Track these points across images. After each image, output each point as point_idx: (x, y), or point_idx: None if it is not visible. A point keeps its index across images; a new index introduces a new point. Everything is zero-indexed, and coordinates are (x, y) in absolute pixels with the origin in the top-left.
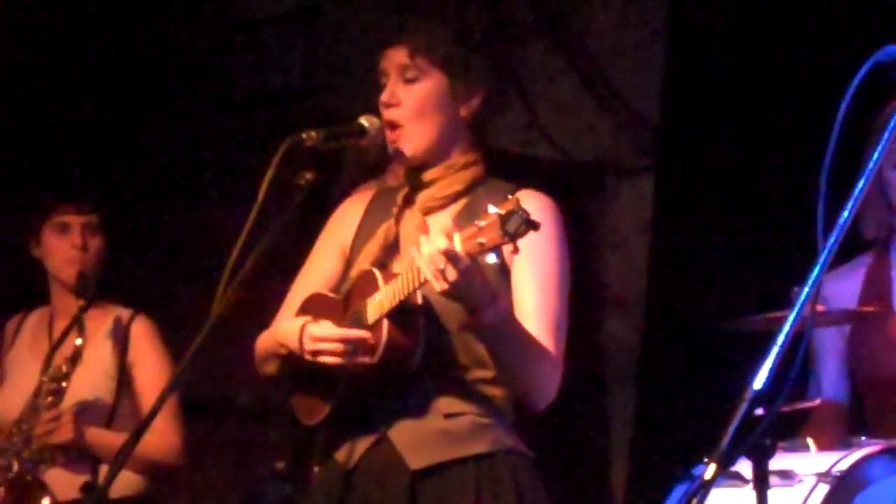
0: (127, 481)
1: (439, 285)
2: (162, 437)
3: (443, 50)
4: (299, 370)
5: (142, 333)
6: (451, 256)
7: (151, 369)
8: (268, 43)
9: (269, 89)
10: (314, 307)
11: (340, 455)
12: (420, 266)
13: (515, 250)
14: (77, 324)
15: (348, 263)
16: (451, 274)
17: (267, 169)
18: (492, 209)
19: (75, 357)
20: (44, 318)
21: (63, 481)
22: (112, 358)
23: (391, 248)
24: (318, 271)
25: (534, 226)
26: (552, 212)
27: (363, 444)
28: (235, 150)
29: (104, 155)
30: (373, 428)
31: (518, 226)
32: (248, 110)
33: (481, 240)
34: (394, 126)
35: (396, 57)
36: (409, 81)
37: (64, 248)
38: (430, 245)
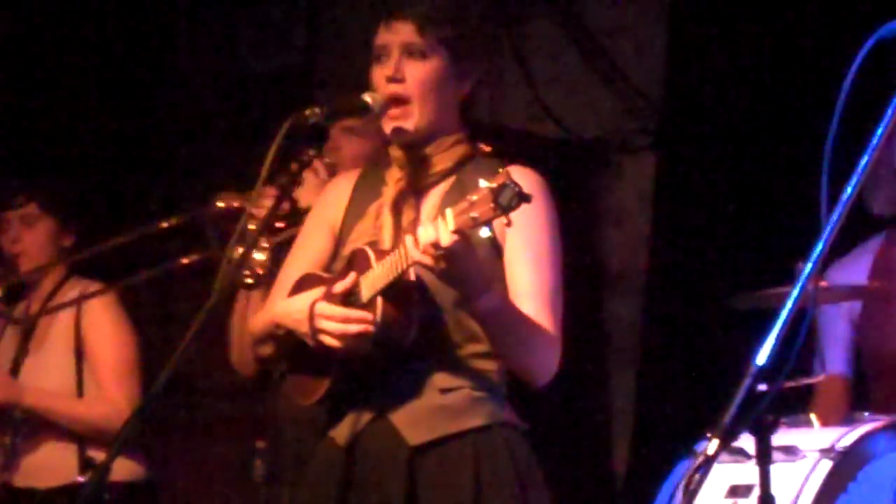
0: (124, 466)
1: (433, 272)
2: (109, 407)
3: (449, 28)
4: (296, 350)
5: (95, 302)
6: (440, 247)
7: (102, 336)
8: (271, 22)
9: (272, 68)
10: (307, 287)
11: (339, 433)
12: (413, 255)
13: (508, 223)
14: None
15: (339, 242)
16: (442, 263)
17: (270, 146)
18: (483, 183)
19: (28, 330)
20: (23, 306)
21: (48, 467)
22: (71, 329)
23: (383, 226)
24: (309, 251)
25: (526, 198)
26: (542, 188)
27: (361, 422)
28: (240, 129)
29: (106, 136)
30: (370, 405)
31: (510, 199)
32: (252, 89)
33: (474, 214)
34: (400, 101)
35: (403, 32)
36: (416, 58)
37: (4, 243)
38: (423, 232)
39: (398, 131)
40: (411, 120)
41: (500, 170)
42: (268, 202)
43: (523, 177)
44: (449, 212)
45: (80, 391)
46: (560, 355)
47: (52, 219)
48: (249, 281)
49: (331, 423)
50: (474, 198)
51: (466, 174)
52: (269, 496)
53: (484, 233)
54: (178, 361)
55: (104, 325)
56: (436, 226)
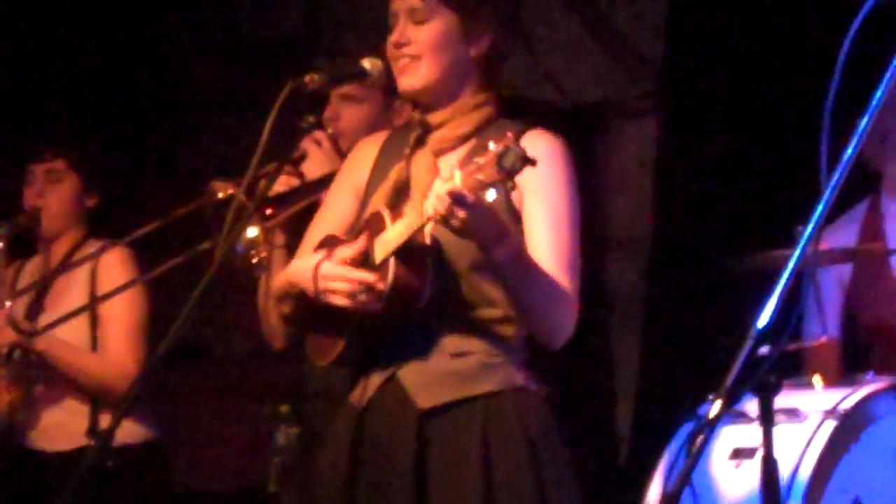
0: (132, 429)
1: (448, 224)
2: (116, 365)
3: None
4: (312, 310)
5: (110, 261)
6: (456, 195)
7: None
8: None
9: (271, 37)
10: (328, 249)
11: (354, 395)
12: (427, 207)
13: (513, 187)
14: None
15: (363, 205)
16: (458, 212)
17: (269, 113)
18: (491, 146)
19: (45, 287)
20: (36, 264)
21: (59, 430)
22: (85, 288)
23: (402, 190)
24: (334, 213)
25: (530, 162)
26: (561, 151)
27: (374, 384)
28: (239, 98)
29: (107, 103)
30: (383, 368)
31: (514, 162)
32: (251, 58)
33: (480, 176)
34: (406, 61)
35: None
36: (419, 22)
37: (28, 196)
38: (437, 185)
39: (406, 87)
40: (418, 76)
41: (508, 133)
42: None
43: (543, 140)
44: (457, 173)
45: (92, 347)
46: (577, 317)
47: (77, 176)
48: (254, 261)
49: (351, 385)
50: (481, 160)
51: (486, 138)
52: (292, 462)
53: (490, 195)
54: (179, 329)
55: (117, 280)
56: (448, 182)
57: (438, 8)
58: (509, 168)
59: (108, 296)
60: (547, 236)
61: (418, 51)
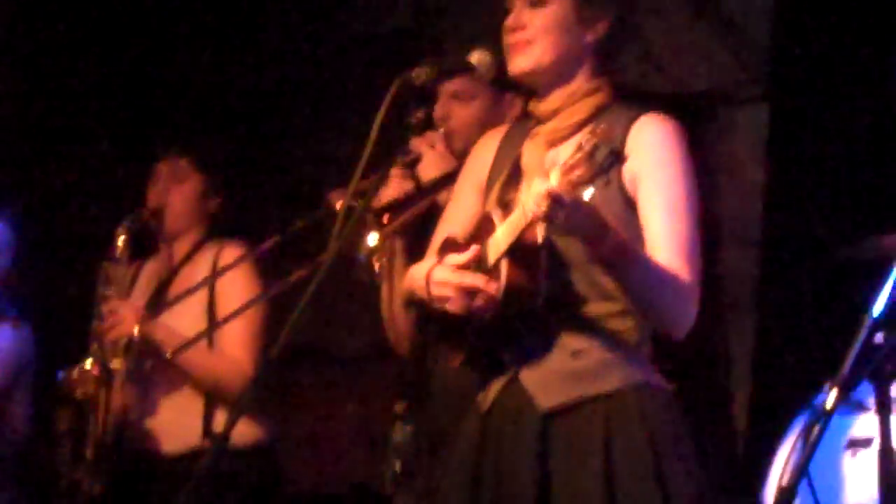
0: (245, 430)
1: (549, 224)
2: (234, 364)
3: None
4: (434, 315)
5: (228, 259)
6: (554, 195)
7: (233, 294)
8: None
9: (379, 31)
10: (447, 251)
11: (483, 397)
12: (528, 208)
13: (608, 183)
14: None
15: (486, 199)
16: (556, 212)
17: (378, 107)
18: (582, 142)
19: (164, 285)
20: (155, 264)
21: (173, 431)
22: (205, 287)
23: (515, 185)
24: (459, 211)
25: (620, 157)
26: (675, 134)
27: (496, 386)
28: (347, 92)
29: (213, 100)
30: (504, 369)
31: (604, 158)
32: (359, 52)
33: (573, 175)
34: (518, 46)
35: None
36: (535, 5)
37: (152, 194)
38: (535, 185)
39: (516, 69)
40: (530, 57)
41: (597, 129)
42: (392, 182)
43: (658, 125)
44: (554, 172)
45: (210, 345)
46: (697, 305)
47: (202, 177)
48: (376, 269)
49: (480, 387)
50: (573, 160)
51: (603, 124)
52: (408, 461)
53: (587, 193)
54: (292, 329)
55: (238, 285)
56: (545, 182)
57: None
58: (600, 164)
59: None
60: (664, 223)
61: (533, 35)
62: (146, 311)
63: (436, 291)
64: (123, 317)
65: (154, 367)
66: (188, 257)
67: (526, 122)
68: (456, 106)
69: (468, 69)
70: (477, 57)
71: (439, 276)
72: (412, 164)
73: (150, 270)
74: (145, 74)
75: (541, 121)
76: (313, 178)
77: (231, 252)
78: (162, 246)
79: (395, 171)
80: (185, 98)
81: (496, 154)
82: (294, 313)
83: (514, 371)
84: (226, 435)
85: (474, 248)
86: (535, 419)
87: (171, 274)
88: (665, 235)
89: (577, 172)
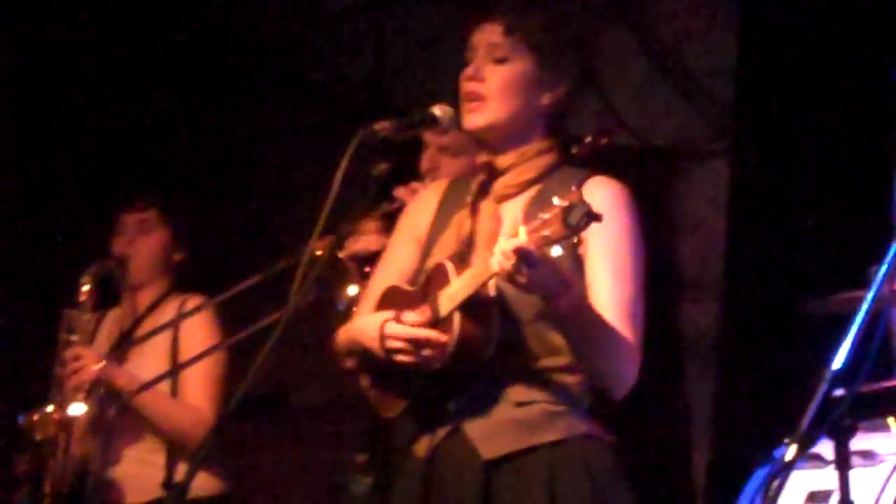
0: (204, 481)
1: (512, 280)
2: (196, 413)
3: (539, 35)
4: (377, 365)
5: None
6: (522, 252)
7: (195, 342)
8: (339, 34)
9: (340, 80)
10: (391, 300)
11: (419, 447)
12: (492, 263)
13: (579, 242)
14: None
15: (425, 254)
16: (523, 269)
17: (340, 160)
18: (556, 201)
19: (127, 334)
20: (117, 314)
21: (134, 482)
22: (168, 336)
23: (466, 240)
24: (396, 263)
25: (596, 217)
26: (624, 198)
27: (439, 435)
28: (308, 141)
29: (173, 149)
30: (448, 419)
31: (579, 218)
32: (321, 102)
33: (545, 232)
34: (474, 98)
35: (489, 34)
36: (499, 61)
37: (117, 245)
38: (502, 242)
39: (470, 125)
40: (485, 115)
41: (574, 187)
42: (373, 235)
43: (606, 188)
44: (522, 229)
45: (173, 394)
46: (639, 367)
47: (168, 229)
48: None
49: (413, 437)
50: (546, 216)
51: (552, 184)
52: None
53: (556, 251)
54: (254, 378)
55: (200, 334)
56: (513, 238)
57: (521, 48)
58: (575, 224)
59: (190, 361)
60: (609, 286)
61: (490, 91)
62: (109, 358)
63: (389, 344)
64: (85, 363)
65: (117, 416)
66: (152, 308)
67: (469, 177)
68: (443, 159)
69: (431, 122)
70: (440, 110)
71: (394, 329)
72: (396, 213)
73: (113, 319)
74: (113, 124)
75: (492, 175)
76: (278, 226)
77: (194, 301)
78: (126, 295)
79: (373, 226)
80: (154, 148)
81: (437, 208)
82: (256, 362)
83: (457, 421)
84: (185, 486)
85: (427, 311)
86: (478, 469)
87: (135, 324)
88: (610, 298)
89: (548, 231)
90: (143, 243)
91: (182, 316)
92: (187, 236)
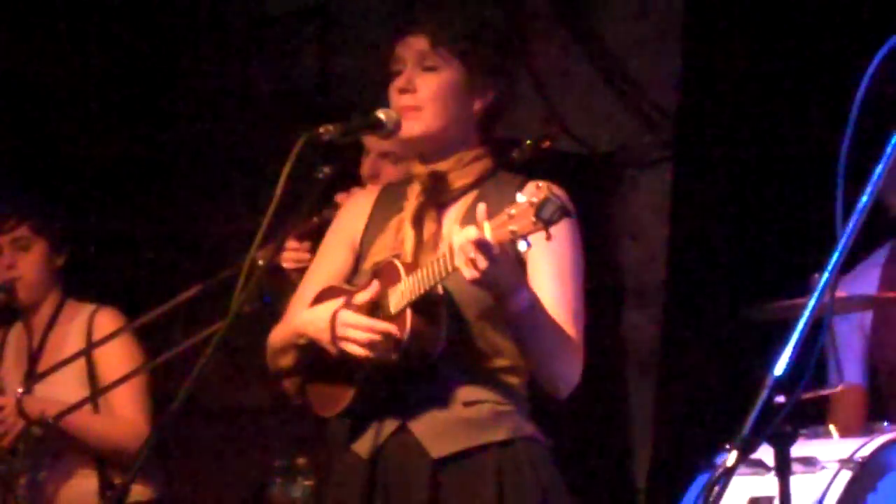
0: (135, 489)
1: (470, 274)
2: (129, 424)
3: (464, 42)
4: (317, 361)
5: (104, 326)
6: (481, 245)
7: (113, 360)
8: (283, 39)
9: (285, 85)
10: (328, 300)
11: (361, 446)
12: (450, 256)
13: (548, 237)
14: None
15: (359, 257)
16: (482, 262)
17: (284, 164)
18: (521, 197)
19: (36, 353)
20: (19, 330)
21: (71, 499)
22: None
23: (415, 242)
24: (329, 265)
25: (568, 213)
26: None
27: (384, 434)
28: (252, 147)
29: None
30: (393, 417)
31: (552, 213)
32: (265, 106)
33: (513, 227)
34: (408, 110)
35: (416, 45)
36: (428, 70)
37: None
38: (461, 235)
39: (406, 134)
40: (419, 124)
41: (540, 184)
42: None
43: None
44: (487, 225)
45: (95, 411)
46: (582, 366)
47: (45, 240)
48: None
49: (353, 436)
50: (513, 211)
51: (488, 189)
52: None
53: (522, 246)
54: (192, 385)
55: (116, 347)
56: (478, 230)
57: (448, 57)
58: (547, 219)
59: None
60: (551, 286)
61: (422, 101)
62: (23, 389)
63: (342, 332)
64: (6, 415)
65: (53, 453)
66: (52, 322)
67: (403, 183)
68: (385, 165)
69: (375, 126)
70: (384, 114)
71: (347, 318)
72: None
73: (14, 341)
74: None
75: (423, 182)
76: (219, 235)
77: (105, 317)
78: (22, 315)
79: (293, 244)
80: (86, 160)
81: (371, 211)
82: (195, 369)
83: (403, 420)
84: (121, 496)
85: (375, 287)
86: (425, 468)
87: (41, 342)
88: (553, 298)
89: (516, 226)
90: (24, 261)
91: (96, 343)
92: (65, 238)
